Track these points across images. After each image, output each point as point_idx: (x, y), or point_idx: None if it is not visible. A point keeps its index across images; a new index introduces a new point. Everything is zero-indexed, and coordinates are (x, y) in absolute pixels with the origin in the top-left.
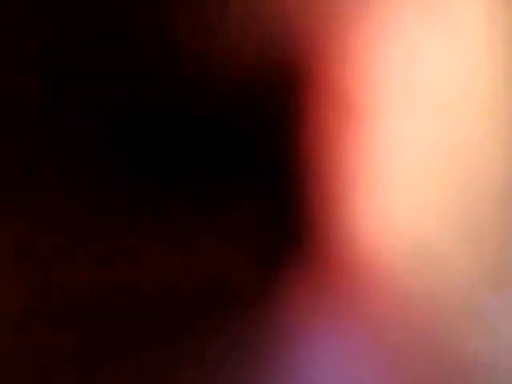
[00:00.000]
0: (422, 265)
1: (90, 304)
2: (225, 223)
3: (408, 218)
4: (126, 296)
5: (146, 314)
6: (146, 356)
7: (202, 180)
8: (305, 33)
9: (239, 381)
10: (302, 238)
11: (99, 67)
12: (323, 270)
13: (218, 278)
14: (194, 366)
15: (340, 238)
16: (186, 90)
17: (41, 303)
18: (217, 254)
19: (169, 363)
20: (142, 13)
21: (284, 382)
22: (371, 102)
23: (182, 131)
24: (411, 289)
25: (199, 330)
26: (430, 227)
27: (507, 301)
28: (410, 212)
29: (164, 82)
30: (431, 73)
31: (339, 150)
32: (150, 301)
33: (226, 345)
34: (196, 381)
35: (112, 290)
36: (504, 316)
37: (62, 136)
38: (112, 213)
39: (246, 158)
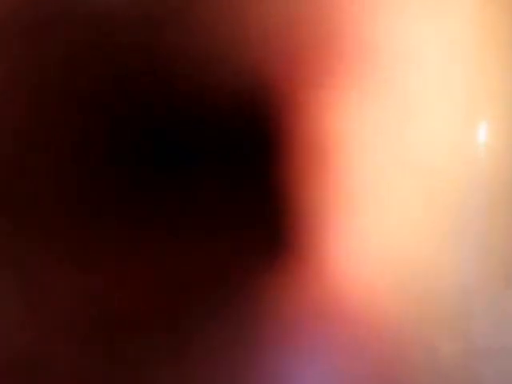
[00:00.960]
0: (402, 285)
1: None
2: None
3: (386, 239)
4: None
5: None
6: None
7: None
8: (281, 77)
9: None
10: (279, 261)
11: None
12: (299, 290)
13: (199, 281)
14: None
15: (317, 259)
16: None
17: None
18: (202, 256)
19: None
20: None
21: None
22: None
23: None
24: (388, 308)
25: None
26: (409, 245)
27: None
28: (387, 233)
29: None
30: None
31: (312, 181)
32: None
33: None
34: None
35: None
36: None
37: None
38: (113, 215)
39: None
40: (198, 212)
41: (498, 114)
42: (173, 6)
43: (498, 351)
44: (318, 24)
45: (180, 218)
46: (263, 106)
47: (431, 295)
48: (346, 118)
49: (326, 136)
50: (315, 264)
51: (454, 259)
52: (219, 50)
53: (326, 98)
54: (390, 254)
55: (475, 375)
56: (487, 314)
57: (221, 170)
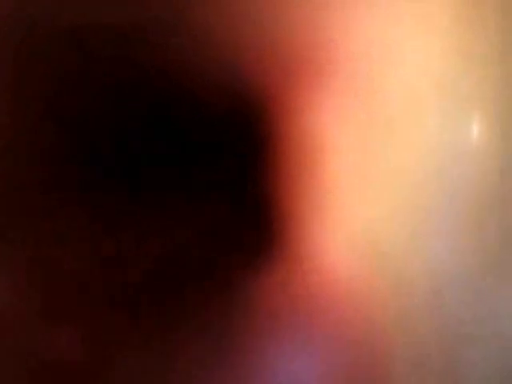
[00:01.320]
0: (387, 275)
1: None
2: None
3: (371, 230)
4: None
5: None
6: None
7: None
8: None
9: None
10: (266, 256)
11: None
12: (286, 279)
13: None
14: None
15: (304, 253)
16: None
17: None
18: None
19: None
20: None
21: (244, 376)
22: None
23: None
24: (369, 298)
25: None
26: (390, 236)
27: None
28: (374, 227)
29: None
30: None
31: (300, 179)
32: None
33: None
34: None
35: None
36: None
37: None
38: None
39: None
40: (187, 210)
41: (489, 111)
42: (167, 12)
43: (478, 338)
44: (310, 30)
45: (169, 215)
46: (254, 109)
47: (416, 284)
48: (334, 118)
49: (316, 136)
50: (302, 258)
51: (443, 252)
52: (211, 55)
53: (317, 102)
54: (377, 247)
55: (455, 360)
56: (471, 302)
57: (210, 170)
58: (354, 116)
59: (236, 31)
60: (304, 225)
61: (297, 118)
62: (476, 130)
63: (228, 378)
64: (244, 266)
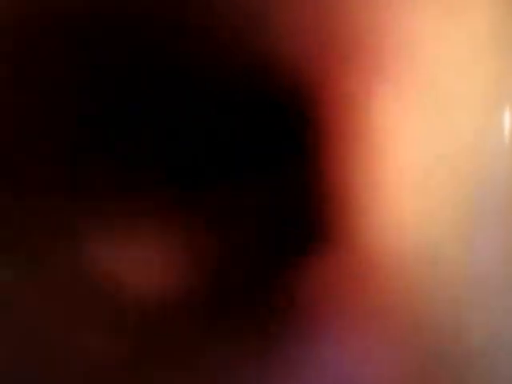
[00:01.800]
0: (429, 265)
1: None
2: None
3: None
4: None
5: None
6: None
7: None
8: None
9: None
10: (316, 239)
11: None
12: (336, 265)
13: (236, 268)
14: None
15: (353, 237)
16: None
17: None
18: (241, 244)
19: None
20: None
21: (298, 370)
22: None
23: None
24: (418, 286)
25: (220, 320)
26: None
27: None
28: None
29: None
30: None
31: (350, 155)
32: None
33: (241, 334)
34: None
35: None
36: None
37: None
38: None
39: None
40: (238, 200)
41: None
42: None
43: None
44: (371, 15)
45: (220, 208)
46: (311, 92)
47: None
48: (391, 105)
49: (372, 123)
50: (356, 246)
51: (479, 248)
52: (268, 36)
53: (374, 88)
54: (423, 240)
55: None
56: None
57: (262, 158)
58: (411, 103)
59: (295, 13)
60: (359, 213)
61: (353, 103)
62: None
63: (279, 366)
64: (298, 258)
